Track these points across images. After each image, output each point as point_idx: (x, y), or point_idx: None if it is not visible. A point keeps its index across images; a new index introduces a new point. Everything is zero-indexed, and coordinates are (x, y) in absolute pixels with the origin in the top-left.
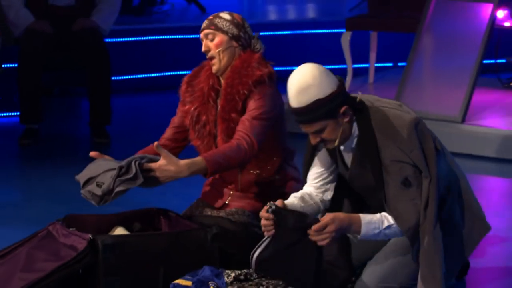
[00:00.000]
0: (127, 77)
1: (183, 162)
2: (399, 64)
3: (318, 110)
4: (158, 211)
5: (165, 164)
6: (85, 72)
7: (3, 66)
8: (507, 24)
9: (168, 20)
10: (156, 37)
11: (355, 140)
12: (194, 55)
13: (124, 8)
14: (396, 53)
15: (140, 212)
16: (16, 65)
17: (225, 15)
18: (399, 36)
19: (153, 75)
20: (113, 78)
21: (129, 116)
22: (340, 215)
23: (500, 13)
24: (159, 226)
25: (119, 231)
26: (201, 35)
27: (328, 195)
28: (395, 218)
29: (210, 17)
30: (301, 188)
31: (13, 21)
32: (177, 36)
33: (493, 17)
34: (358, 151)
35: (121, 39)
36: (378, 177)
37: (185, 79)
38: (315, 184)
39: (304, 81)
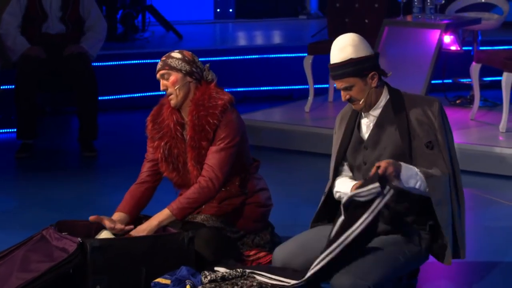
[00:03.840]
0: (112, 97)
1: (151, 220)
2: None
3: (349, 67)
4: (140, 216)
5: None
6: (74, 93)
7: (1, 87)
8: (453, 48)
9: (149, 46)
10: (138, 61)
11: (381, 109)
12: None
13: (109, 35)
14: None
15: None
16: (13, 86)
17: (176, 54)
18: None
19: (135, 95)
20: (100, 98)
21: (114, 132)
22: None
23: (447, 38)
24: None
25: (105, 234)
26: (158, 75)
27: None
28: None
29: (163, 58)
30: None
31: (10, 47)
32: (157, 60)
33: (440, 42)
34: (384, 113)
35: (107, 63)
36: (405, 135)
37: (149, 118)
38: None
39: (344, 42)
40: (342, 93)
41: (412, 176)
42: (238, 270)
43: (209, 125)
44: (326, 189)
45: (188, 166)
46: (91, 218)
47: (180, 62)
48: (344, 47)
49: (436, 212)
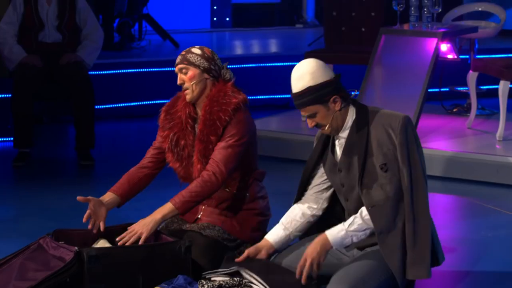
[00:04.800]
0: (109, 105)
1: (155, 213)
2: (352, 93)
3: (308, 96)
4: (122, 226)
5: (138, 221)
6: (71, 102)
7: None
8: (450, 56)
9: (145, 55)
10: (135, 70)
11: (348, 130)
12: (169, 86)
13: (106, 44)
14: (349, 83)
15: (121, 227)
16: (10, 95)
17: (196, 50)
18: (352, 68)
19: (132, 104)
20: (96, 106)
21: (111, 141)
22: (309, 248)
23: (444, 47)
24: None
25: (102, 243)
26: (176, 69)
27: (325, 203)
28: (363, 194)
29: (183, 53)
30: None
31: (7, 56)
32: (154, 69)
33: (437, 50)
34: (351, 135)
35: (103, 72)
36: (361, 155)
37: (164, 108)
38: (314, 194)
39: (301, 70)
40: (308, 120)
41: (345, 239)
42: (235, 279)
43: (220, 121)
44: None
45: (193, 159)
46: (78, 198)
47: (199, 58)
48: (301, 76)
49: (379, 241)
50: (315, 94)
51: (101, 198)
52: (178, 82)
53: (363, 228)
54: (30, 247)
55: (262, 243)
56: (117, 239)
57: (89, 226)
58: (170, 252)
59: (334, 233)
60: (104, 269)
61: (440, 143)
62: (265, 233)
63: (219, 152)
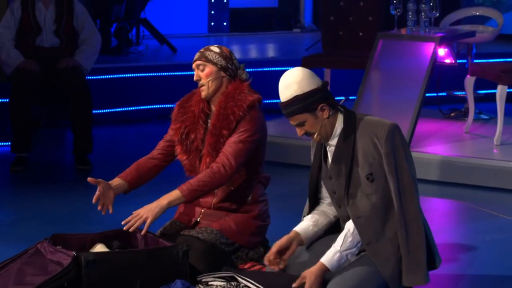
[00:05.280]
0: (106, 110)
1: (161, 199)
2: (350, 97)
3: (296, 105)
4: (135, 230)
5: (144, 206)
6: (69, 106)
7: None
8: (447, 61)
9: (143, 60)
10: (132, 75)
11: (337, 138)
12: (167, 91)
13: (103, 49)
14: (347, 88)
15: (119, 231)
16: (7, 100)
17: (214, 48)
18: (350, 73)
19: (129, 108)
20: (94, 111)
21: (109, 146)
22: (308, 281)
23: (441, 51)
24: (135, 244)
25: (100, 248)
26: (193, 65)
27: None
28: (349, 205)
29: (202, 50)
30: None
31: (4, 60)
32: (151, 74)
33: (434, 55)
34: (340, 143)
35: (101, 77)
36: (348, 164)
37: (178, 103)
38: (329, 203)
39: (288, 79)
40: (297, 129)
41: (341, 260)
42: (232, 283)
43: (233, 115)
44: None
45: (201, 152)
46: (89, 179)
47: (217, 56)
48: (288, 85)
49: (369, 252)
50: (302, 103)
51: (110, 182)
52: (195, 78)
53: (354, 244)
54: (27, 252)
55: (292, 234)
56: (122, 222)
57: (99, 208)
58: (168, 257)
59: (329, 258)
60: (101, 274)
61: (438, 147)
62: (264, 238)
63: (230, 146)
